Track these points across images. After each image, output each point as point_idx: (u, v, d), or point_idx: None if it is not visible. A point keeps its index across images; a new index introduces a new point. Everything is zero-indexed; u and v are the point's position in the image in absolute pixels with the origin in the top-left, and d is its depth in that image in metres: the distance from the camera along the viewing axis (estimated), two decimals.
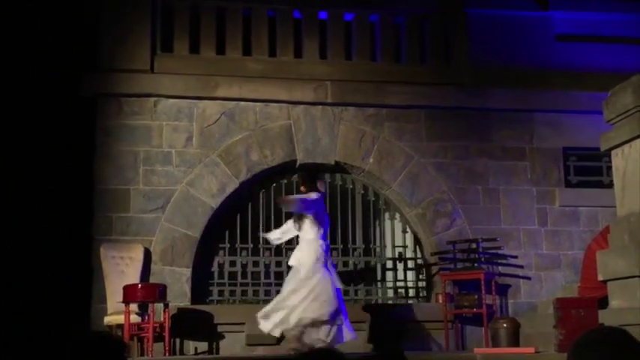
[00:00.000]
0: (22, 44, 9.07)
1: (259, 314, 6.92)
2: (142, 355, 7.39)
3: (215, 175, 8.40)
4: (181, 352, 7.86)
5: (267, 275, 8.53)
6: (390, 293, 8.93)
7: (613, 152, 6.79)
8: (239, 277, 8.49)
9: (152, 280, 7.92)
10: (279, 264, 8.55)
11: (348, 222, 8.80)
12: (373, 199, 8.94)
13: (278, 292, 8.48)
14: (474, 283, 8.14)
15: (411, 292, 8.96)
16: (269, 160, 8.55)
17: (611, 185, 7.49)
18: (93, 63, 8.45)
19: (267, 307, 6.90)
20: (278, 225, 8.56)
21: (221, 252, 8.50)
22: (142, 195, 8.20)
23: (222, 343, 8.00)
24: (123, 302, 7.09)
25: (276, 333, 6.93)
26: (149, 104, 8.41)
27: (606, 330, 2.21)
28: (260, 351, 7.79)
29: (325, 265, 6.86)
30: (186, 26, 8.68)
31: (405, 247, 8.96)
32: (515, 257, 8.70)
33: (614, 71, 8.64)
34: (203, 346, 7.97)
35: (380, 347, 7.61)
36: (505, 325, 7.38)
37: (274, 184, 8.71)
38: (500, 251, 8.52)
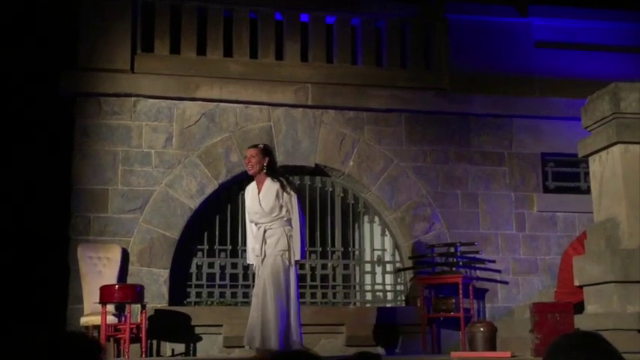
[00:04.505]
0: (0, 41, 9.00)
1: None
2: (119, 356, 7.35)
3: (194, 176, 8.37)
4: (158, 354, 7.82)
5: (245, 277, 8.51)
6: (369, 296, 8.94)
7: (591, 158, 6.85)
8: (217, 279, 8.47)
9: (129, 280, 7.87)
10: None
11: (327, 225, 8.80)
12: (352, 202, 8.95)
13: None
14: (451, 287, 8.18)
15: (390, 296, 8.98)
16: None
17: (588, 191, 7.55)
18: (72, 61, 8.39)
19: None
20: None
21: (199, 253, 8.47)
22: (121, 195, 8.15)
23: (199, 345, 7.97)
24: (100, 303, 7.04)
25: None
26: (129, 104, 8.37)
27: (581, 334, 2.23)
28: (237, 353, 7.77)
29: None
30: (167, 26, 8.65)
31: (383, 250, 8.98)
32: (493, 262, 8.74)
33: (592, 78, 8.74)
34: (180, 347, 7.94)
35: (357, 351, 7.61)
36: (482, 329, 7.40)
37: None
38: (478, 255, 8.56)
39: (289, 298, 6.11)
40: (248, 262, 6.54)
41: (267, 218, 6.22)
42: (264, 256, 6.15)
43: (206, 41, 8.72)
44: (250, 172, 6.43)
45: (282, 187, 6.25)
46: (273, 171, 6.39)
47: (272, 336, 5.96)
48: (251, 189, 6.41)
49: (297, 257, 6.23)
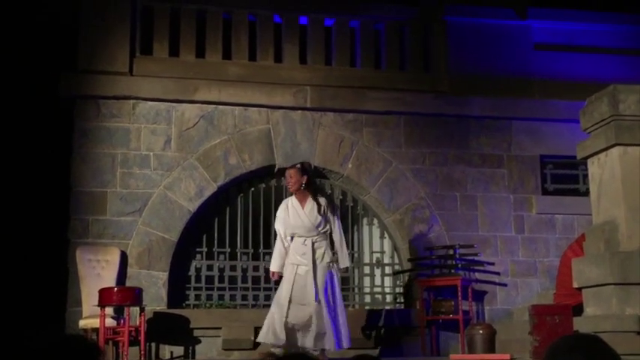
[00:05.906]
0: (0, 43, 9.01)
1: None
2: (117, 359, 7.34)
3: (193, 178, 8.37)
4: (157, 357, 7.81)
5: (244, 280, 8.51)
6: (368, 299, 8.94)
7: (589, 160, 6.86)
8: (216, 282, 8.46)
9: (128, 283, 7.87)
10: (256, 269, 8.53)
11: None
12: (351, 204, 8.95)
13: (255, 296, 8.50)
14: (450, 289, 8.17)
15: (389, 298, 8.98)
16: (247, 164, 8.53)
17: (587, 193, 7.56)
18: (72, 64, 8.40)
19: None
20: (255, 230, 8.57)
21: (198, 256, 8.47)
22: (120, 198, 8.15)
23: (198, 348, 7.96)
24: (98, 306, 7.03)
25: None
26: (128, 107, 8.37)
27: (580, 336, 2.23)
28: (236, 355, 7.77)
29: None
30: (166, 29, 8.65)
31: (382, 252, 8.98)
32: (492, 264, 8.74)
33: (591, 81, 8.75)
34: (179, 350, 7.93)
35: (356, 354, 7.60)
36: (481, 331, 7.39)
37: (252, 189, 8.70)
38: (477, 258, 8.56)
39: (337, 301, 6.61)
40: (272, 269, 6.81)
41: (314, 232, 6.63)
42: (312, 266, 6.55)
43: (205, 44, 8.72)
44: (291, 190, 6.83)
45: (327, 204, 6.73)
46: (314, 187, 6.81)
47: (328, 336, 6.39)
48: (291, 205, 6.75)
49: (348, 264, 6.91)
